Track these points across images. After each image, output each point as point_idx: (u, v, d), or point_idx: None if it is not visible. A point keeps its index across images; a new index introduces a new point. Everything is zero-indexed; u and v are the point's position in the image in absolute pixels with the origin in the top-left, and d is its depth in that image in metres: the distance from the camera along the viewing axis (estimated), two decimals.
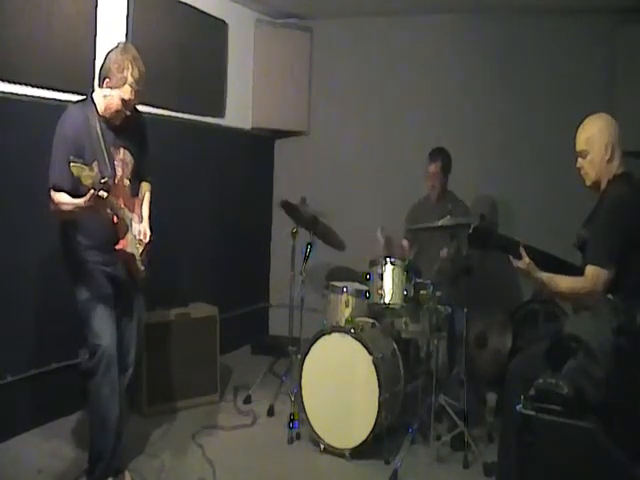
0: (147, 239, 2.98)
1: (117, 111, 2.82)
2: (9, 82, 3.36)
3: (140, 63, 2.81)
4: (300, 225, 4.14)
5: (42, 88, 3.53)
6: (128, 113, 2.86)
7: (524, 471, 2.34)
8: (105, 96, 2.81)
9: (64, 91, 3.58)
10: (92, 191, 2.52)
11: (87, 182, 2.50)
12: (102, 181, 2.55)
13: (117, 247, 2.83)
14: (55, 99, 3.57)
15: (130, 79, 2.76)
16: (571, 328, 2.58)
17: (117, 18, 4.01)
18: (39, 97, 3.52)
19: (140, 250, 2.95)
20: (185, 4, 4.62)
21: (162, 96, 4.42)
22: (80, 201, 2.60)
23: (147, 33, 4.25)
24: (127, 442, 3.12)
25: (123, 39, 4.01)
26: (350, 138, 5.58)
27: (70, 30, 3.63)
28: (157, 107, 4.33)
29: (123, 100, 2.79)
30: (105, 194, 2.58)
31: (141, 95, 2.85)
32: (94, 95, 2.86)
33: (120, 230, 2.83)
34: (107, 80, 2.78)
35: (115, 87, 2.76)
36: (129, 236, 2.87)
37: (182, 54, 4.63)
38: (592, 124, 2.71)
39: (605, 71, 4.73)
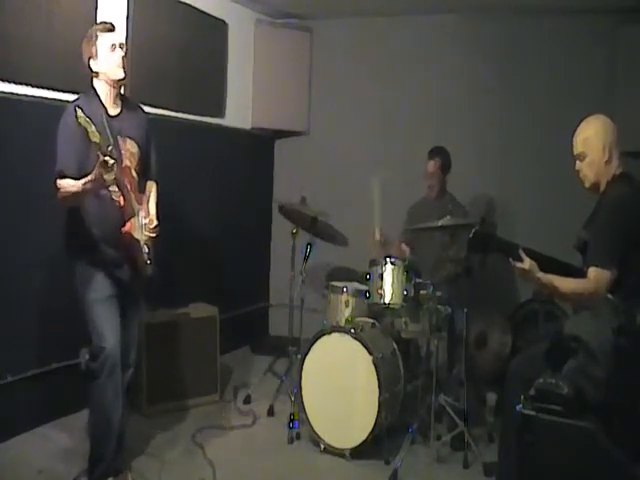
0: (154, 228, 2.96)
1: (116, 64, 2.82)
2: (9, 82, 3.36)
3: (102, 22, 2.93)
4: (300, 225, 4.14)
5: (42, 88, 3.54)
6: (122, 54, 2.85)
7: (524, 471, 2.34)
8: (98, 73, 2.83)
9: (64, 91, 3.57)
10: (100, 156, 2.53)
11: (94, 139, 2.53)
12: (109, 147, 2.58)
13: (123, 229, 2.83)
14: (55, 99, 3.57)
15: (98, 31, 2.82)
16: (571, 328, 2.58)
17: (117, 18, 4.00)
18: (39, 97, 3.52)
19: (146, 239, 2.94)
20: (185, 4, 4.62)
21: (162, 96, 4.42)
22: (89, 177, 2.60)
23: (147, 33, 4.25)
24: (127, 442, 3.12)
25: (123, 39, 4.01)
26: (350, 138, 5.58)
27: (70, 30, 3.63)
28: (157, 107, 4.33)
29: (110, 47, 2.81)
30: (112, 161, 2.57)
31: (123, 39, 2.95)
32: (95, 85, 2.88)
33: (126, 213, 2.84)
34: (91, 60, 2.83)
35: (96, 50, 2.80)
36: (135, 222, 2.88)
37: (182, 54, 4.64)
38: (588, 126, 2.71)
39: (605, 71, 4.73)
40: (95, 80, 2.87)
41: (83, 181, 2.65)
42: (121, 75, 2.86)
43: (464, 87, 5.22)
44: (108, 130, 2.78)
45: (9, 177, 3.41)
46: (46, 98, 3.55)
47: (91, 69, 2.85)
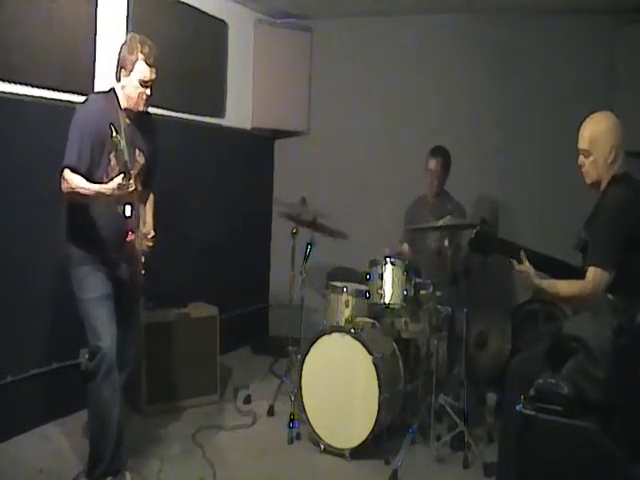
0: (151, 238, 2.98)
1: (139, 96, 2.82)
2: (10, 82, 3.36)
3: (150, 42, 2.85)
4: (300, 224, 4.14)
5: (42, 88, 3.53)
6: (149, 93, 2.84)
7: (524, 471, 2.34)
8: (124, 87, 2.82)
9: (64, 91, 3.57)
10: (123, 175, 2.54)
11: (122, 158, 2.55)
12: (132, 172, 2.60)
13: (128, 239, 2.84)
14: (55, 99, 3.57)
15: (141, 55, 2.79)
16: (571, 328, 2.58)
17: (117, 18, 4.01)
18: (39, 97, 3.52)
19: (144, 249, 2.96)
20: (185, 4, 4.62)
21: (162, 96, 4.38)
22: (104, 189, 2.60)
23: (147, 33, 4.19)
24: (127, 442, 3.12)
25: (123, 39, 4.01)
26: (350, 138, 5.58)
27: (70, 30, 3.63)
28: (157, 107, 4.32)
29: (142, 82, 2.80)
30: (133, 187, 2.60)
31: (157, 74, 2.86)
32: (115, 88, 2.88)
33: (132, 223, 2.84)
34: (123, 70, 2.81)
35: (131, 70, 2.79)
36: (138, 233, 2.90)
37: (182, 54, 4.63)
38: (598, 124, 2.65)
39: (605, 71, 4.72)
40: (117, 86, 2.86)
41: (98, 188, 2.63)
42: (141, 109, 2.87)
43: (464, 87, 5.22)
44: (123, 134, 2.76)
45: (9, 177, 3.40)
46: (46, 98, 3.55)
47: (118, 77, 2.84)
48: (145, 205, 3.09)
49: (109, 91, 2.89)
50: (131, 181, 2.58)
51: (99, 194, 2.63)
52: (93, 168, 2.73)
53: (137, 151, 2.91)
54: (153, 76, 2.83)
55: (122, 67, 2.81)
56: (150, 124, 3.06)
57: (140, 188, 2.90)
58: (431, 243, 4.20)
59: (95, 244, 2.85)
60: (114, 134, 2.50)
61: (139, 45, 2.80)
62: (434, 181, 4.30)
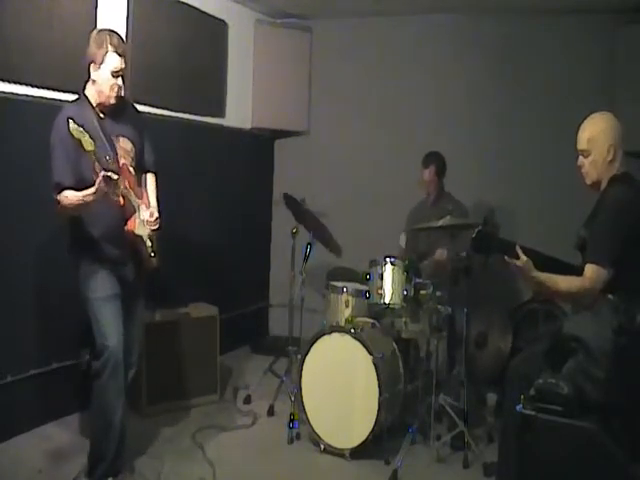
0: (155, 220, 2.97)
1: (111, 88, 2.81)
2: (9, 82, 3.36)
3: (117, 34, 2.85)
4: (300, 223, 4.14)
5: (42, 88, 3.53)
6: (121, 84, 2.84)
7: (524, 471, 2.34)
8: (94, 81, 2.82)
9: (64, 91, 3.57)
10: (102, 173, 2.55)
11: (89, 148, 2.54)
12: (107, 158, 2.60)
13: (126, 228, 2.84)
14: (55, 99, 3.57)
15: (111, 47, 2.78)
16: (571, 328, 2.58)
17: (117, 18, 4.01)
18: (39, 97, 3.52)
19: (149, 233, 2.95)
20: (185, 4, 4.62)
21: (162, 96, 4.42)
22: (91, 190, 2.60)
23: (147, 33, 4.25)
24: (127, 442, 3.12)
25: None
26: (350, 138, 5.58)
27: (70, 30, 3.63)
28: (157, 107, 4.34)
29: (113, 72, 2.80)
30: (116, 176, 2.61)
31: (127, 65, 2.87)
32: (86, 91, 2.87)
33: (127, 211, 2.85)
34: (93, 64, 2.80)
35: (101, 63, 2.78)
36: (137, 218, 2.89)
37: (182, 54, 4.64)
38: (595, 124, 2.68)
39: (605, 71, 4.73)
40: (88, 84, 2.87)
41: (83, 194, 2.64)
42: (113, 102, 2.86)
43: (464, 87, 5.22)
44: (101, 132, 2.78)
45: (9, 177, 3.40)
46: (46, 98, 3.55)
47: (89, 73, 2.84)
48: (144, 187, 3.08)
49: (78, 97, 2.88)
50: (110, 173, 2.58)
51: (90, 197, 2.63)
52: (82, 174, 2.73)
53: (121, 138, 2.91)
54: (123, 65, 2.83)
55: (92, 62, 2.80)
56: (128, 108, 3.05)
57: (134, 173, 2.92)
58: (443, 253, 4.14)
59: (97, 240, 2.85)
60: (71, 127, 2.48)
61: (107, 37, 2.80)
62: (431, 190, 4.35)
